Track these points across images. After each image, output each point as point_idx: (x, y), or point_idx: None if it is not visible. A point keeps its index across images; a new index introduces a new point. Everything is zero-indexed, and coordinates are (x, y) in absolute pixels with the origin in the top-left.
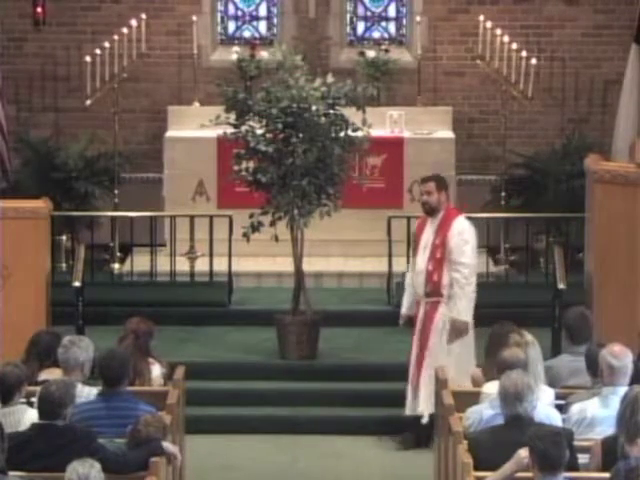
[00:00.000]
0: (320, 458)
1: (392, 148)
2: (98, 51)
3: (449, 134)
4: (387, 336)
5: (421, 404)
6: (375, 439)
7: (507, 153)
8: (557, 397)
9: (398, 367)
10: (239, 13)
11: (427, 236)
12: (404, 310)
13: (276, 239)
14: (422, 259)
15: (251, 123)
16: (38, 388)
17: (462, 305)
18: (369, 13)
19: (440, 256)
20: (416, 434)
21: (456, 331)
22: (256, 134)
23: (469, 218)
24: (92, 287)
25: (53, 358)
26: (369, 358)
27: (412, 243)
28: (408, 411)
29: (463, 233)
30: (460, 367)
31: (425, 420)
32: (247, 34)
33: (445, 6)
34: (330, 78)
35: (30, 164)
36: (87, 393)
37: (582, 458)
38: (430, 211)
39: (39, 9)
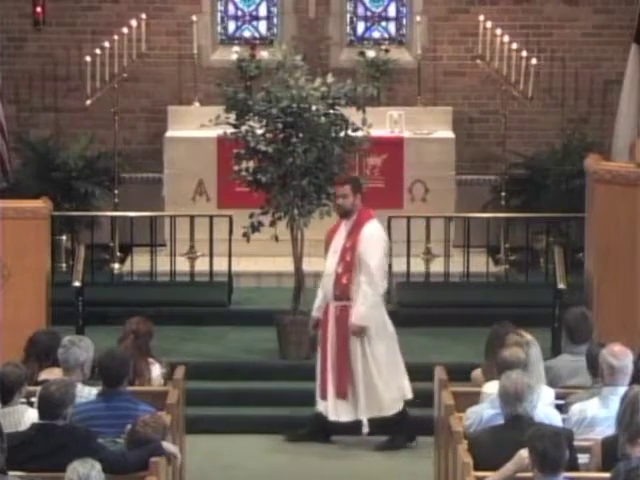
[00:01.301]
0: (320, 458)
1: (392, 148)
2: (98, 51)
3: (449, 134)
4: None
5: (350, 414)
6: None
7: (507, 153)
8: (557, 397)
9: None
10: (239, 13)
11: (339, 239)
12: (314, 313)
13: (276, 239)
14: (332, 262)
15: (251, 123)
16: (38, 388)
17: (361, 310)
18: (369, 13)
19: (350, 259)
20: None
21: (353, 334)
22: (256, 134)
23: (469, 218)
24: (92, 287)
25: (52, 358)
26: None
27: (324, 246)
28: (342, 417)
29: (373, 237)
30: (388, 371)
31: (366, 430)
32: (247, 34)
33: (445, 6)
34: (330, 78)
35: (30, 164)
36: (87, 393)
37: (582, 458)
38: (344, 214)
39: (39, 9)
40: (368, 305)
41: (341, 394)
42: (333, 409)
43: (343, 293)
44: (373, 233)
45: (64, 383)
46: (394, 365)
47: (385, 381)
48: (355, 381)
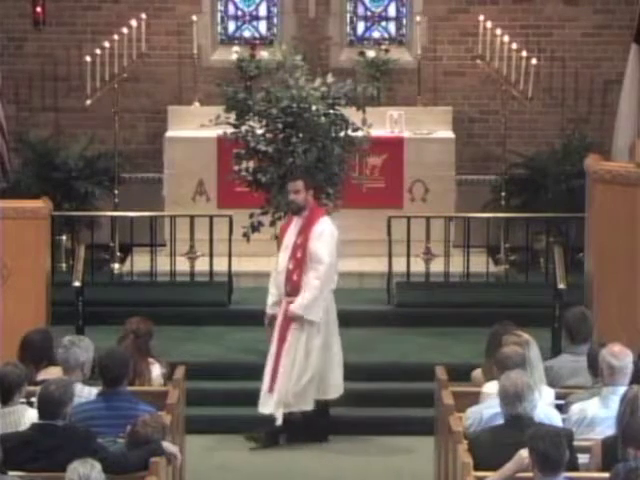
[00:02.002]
0: (320, 458)
1: (392, 148)
2: (98, 51)
3: (449, 134)
4: (387, 336)
5: (274, 406)
6: (375, 439)
7: (507, 153)
8: (557, 397)
9: (398, 367)
10: (239, 13)
11: (290, 235)
12: (268, 309)
13: (276, 239)
14: (283, 258)
15: (251, 123)
16: (37, 388)
17: (304, 301)
18: (369, 13)
19: (300, 256)
20: (271, 433)
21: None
22: (256, 134)
23: (469, 218)
24: (92, 287)
25: (47, 357)
26: (369, 358)
27: (277, 242)
28: (264, 409)
29: (324, 234)
30: (321, 370)
31: (279, 422)
32: (247, 34)
33: (445, 6)
34: (330, 78)
35: (30, 164)
36: (87, 393)
37: (582, 458)
38: (297, 210)
39: (39, 9)
40: (311, 297)
41: (270, 387)
42: (261, 401)
43: (294, 289)
44: (325, 230)
45: (63, 382)
46: (327, 363)
47: (311, 377)
48: (281, 374)
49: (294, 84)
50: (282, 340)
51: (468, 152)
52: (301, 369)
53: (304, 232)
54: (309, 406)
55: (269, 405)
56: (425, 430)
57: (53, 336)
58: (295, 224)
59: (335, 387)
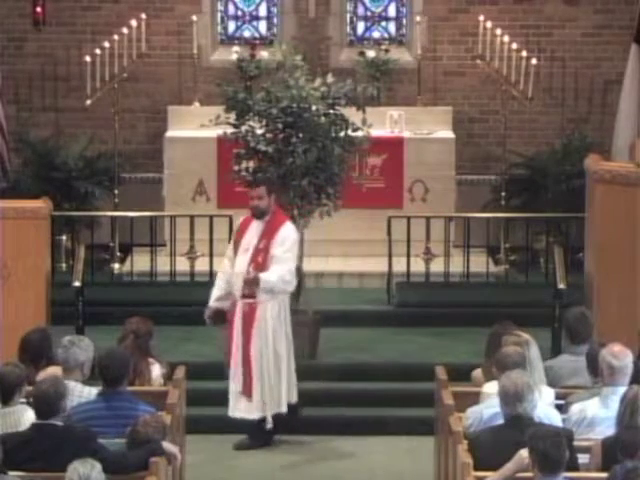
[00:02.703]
0: (320, 458)
1: (392, 148)
2: (98, 51)
3: (449, 134)
4: (387, 336)
5: (256, 411)
6: (375, 439)
7: (507, 153)
8: (557, 397)
9: (398, 367)
10: (239, 13)
11: (250, 238)
12: (212, 303)
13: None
14: (243, 261)
15: (251, 123)
16: None
17: (272, 277)
18: (369, 13)
19: (262, 260)
20: (253, 437)
21: (245, 282)
22: (256, 134)
23: (469, 218)
24: (92, 287)
25: (47, 357)
26: (369, 358)
27: (233, 238)
28: (238, 414)
29: (289, 239)
30: (285, 371)
31: (270, 425)
32: (247, 34)
33: (445, 6)
34: (330, 78)
35: (30, 164)
36: (87, 393)
37: (582, 458)
38: (260, 215)
39: (39, 9)
40: (279, 283)
41: (247, 392)
42: (235, 406)
43: (252, 292)
44: (289, 235)
45: (53, 379)
46: (289, 367)
47: (284, 378)
48: (257, 378)
49: (294, 84)
50: (247, 342)
51: (468, 152)
52: (275, 373)
53: (267, 236)
54: (284, 408)
55: (247, 410)
56: (425, 430)
57: (52, 336)
58: (256, 227)
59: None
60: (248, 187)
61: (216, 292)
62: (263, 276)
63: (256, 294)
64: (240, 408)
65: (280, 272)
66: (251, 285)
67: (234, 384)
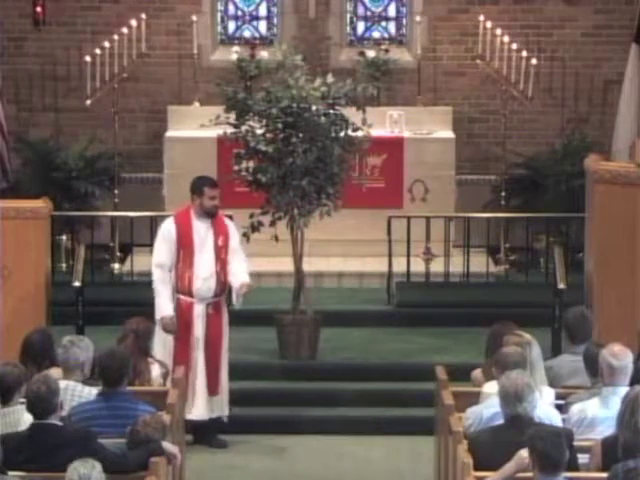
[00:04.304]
0: (320, 458)
1: (392, 148)
2: (98, 51)
3: (449, 134)
4: (387, 336)
5: (216, 409)
6: (376, 439)
7: (507, 153)
8: (557, 397)
9: (398, 367)
10: (239, 13)
11: (202, 238)
12: (171, 312)
13: (276, 239)
14: (207, 261)
15: (251, 123)
16: None
17: (247, 277)
18: (369, 13)
19: (224, 256)
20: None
21: (244, 291)
22: (256, 134)
23: (469, 218)
24: (92, 287)
25: (49, 358)
26: (369, 358)
27: (169, 244)
28: (207, 416)
29: (235, 231)
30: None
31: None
32: (247, 34)
33: (445, 6)
34: (330, 78)
35: (30, 164)
36: (87, 393)
37: (582, 458)
38: (215, 214)
39: (39, 9)
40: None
41: (214, 391)
42: (205, 408)
43: (222, 290)
44: (233, 226)
45: (43, 377)
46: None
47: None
48: (224, 376)
49: (294, 84)
50: (217, 340)
51: (468, 152)
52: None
53: (221, 233)
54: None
55: (207, 409)
56: (425, 430)
57: (54, 336)
58: (203, 227)
59: None
60: (213, 187)
61: (168, 302)
62: (248, 280)
63: (221, 294)
64: (210, 409)
65: (245, 265)
66: (250, 288)
67: (202, 386)
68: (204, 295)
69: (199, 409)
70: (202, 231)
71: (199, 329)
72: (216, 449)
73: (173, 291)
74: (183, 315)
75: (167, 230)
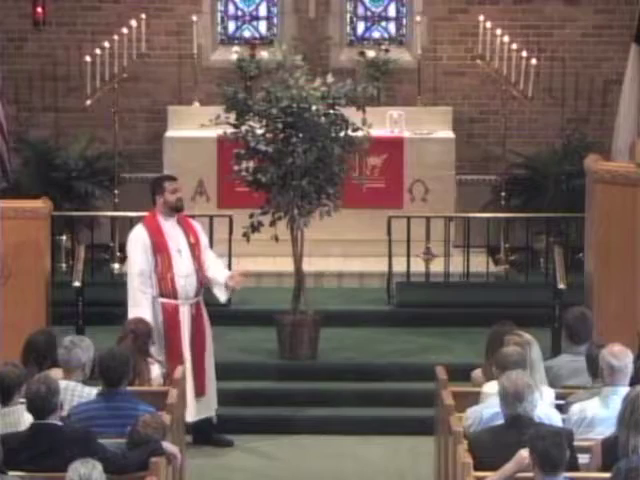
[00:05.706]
0: (320, 458)
1: (392, 148)
2: (98, 51)
3: (449, 134)
4: (387, 336)
5: (204, 409)
6: (375, 439)
7: (507, 153)
8: (557, 397)
9: (398, 367)
10: (239, 13)
11: (174, 239)
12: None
13: (276, 239)
14: (185, 261)
15: (251, 123)
16: None
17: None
18: (369, 13)
19: (199, 254)
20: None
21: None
22: (256, 134)
23: (469, 218)
24: (92, 287)
25: (51, 358)
26: (369, 358)
27: (144, 250)
28: (196, 417)
29: (200, 227)
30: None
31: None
32: (247, 34)
33: (445, 6)
34: (330, 78)
35: (30, 164)
36: (87, 393)
37: (582, 458)
38: (182, 208)
39: (39, 9)
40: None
41: (202, 392)
42: (194, 409)
43: (200, 288)
44: (199, 224)
45: (42, 377)
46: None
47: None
48: (209, 376)
49: (294, 84)
50: (202, 340)
51: (468, 152)
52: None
53: (190, 231)
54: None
55: (196, 410)
56: (425, 430)
57: (56, 337)
58: (171, 227)
59: None
60: (172, 180)
61: (149, 308)
62: (232, 272)
63: (200, 293)
64: (197, 410)
65: (220, 261)
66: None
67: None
68: (188, 294)
69: (187, 410)
70: (172, 231)
71: (186, 331)
72: (218, 448)
73: (153, 299)
74: (170, 319)
75: (140, 237)
